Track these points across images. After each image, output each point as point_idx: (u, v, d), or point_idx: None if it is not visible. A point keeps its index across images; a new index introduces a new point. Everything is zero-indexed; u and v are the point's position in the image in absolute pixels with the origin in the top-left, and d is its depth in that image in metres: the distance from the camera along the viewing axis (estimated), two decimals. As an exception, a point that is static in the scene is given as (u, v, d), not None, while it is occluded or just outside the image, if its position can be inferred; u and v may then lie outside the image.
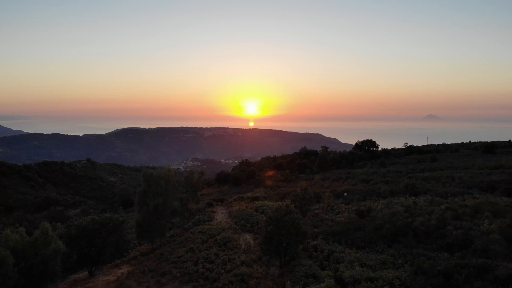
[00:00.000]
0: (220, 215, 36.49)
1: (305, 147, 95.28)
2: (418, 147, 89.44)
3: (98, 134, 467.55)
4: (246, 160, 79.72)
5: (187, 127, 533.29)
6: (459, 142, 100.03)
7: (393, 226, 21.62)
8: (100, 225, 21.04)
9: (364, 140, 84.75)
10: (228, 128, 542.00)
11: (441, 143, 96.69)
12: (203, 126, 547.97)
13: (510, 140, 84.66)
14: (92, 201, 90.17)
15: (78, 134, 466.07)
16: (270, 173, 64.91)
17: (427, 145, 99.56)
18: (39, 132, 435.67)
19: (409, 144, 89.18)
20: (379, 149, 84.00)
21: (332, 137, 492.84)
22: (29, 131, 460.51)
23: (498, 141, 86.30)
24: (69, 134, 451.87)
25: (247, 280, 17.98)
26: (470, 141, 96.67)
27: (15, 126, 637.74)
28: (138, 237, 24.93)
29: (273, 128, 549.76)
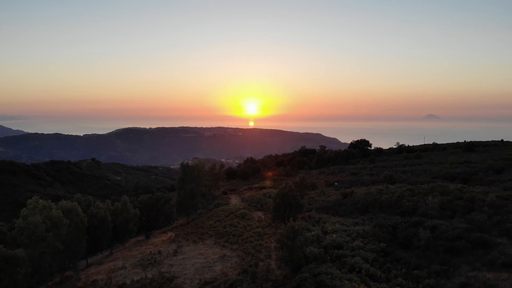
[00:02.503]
0: (234, 200, 44.71)
1: (304, 146, 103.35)
2: (408, 146, 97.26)
3: (99, 134, 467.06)
4: (251, 158, 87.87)
5: (187, 127, 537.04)
6: (458, 141, 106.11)
7: (366, 201, 29.92)
8: (156, 200, 29.17)
9: (358, 140, 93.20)
10: (228, 128, 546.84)
11: (440, 142, 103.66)
12: (203, 126, 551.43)
13: (502, 140, 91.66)
14: (99, 199, 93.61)
15: (78, 134, 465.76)
16: (273, 169, 73.10)
17: (421, 144, 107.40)
18: (39, 132, 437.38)
19: (407, 144, 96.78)
20: (372, 148, 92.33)
21: (332, 136, 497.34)
22: (30, 131, 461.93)
23: (492, 141, 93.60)
24: (69, 134, 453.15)
25: (262, 235, 26.26)
26: (465, 141, 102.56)
27: (15, 126, 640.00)
28: (178, 212, 33.03)
29: (273, 128, 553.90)
